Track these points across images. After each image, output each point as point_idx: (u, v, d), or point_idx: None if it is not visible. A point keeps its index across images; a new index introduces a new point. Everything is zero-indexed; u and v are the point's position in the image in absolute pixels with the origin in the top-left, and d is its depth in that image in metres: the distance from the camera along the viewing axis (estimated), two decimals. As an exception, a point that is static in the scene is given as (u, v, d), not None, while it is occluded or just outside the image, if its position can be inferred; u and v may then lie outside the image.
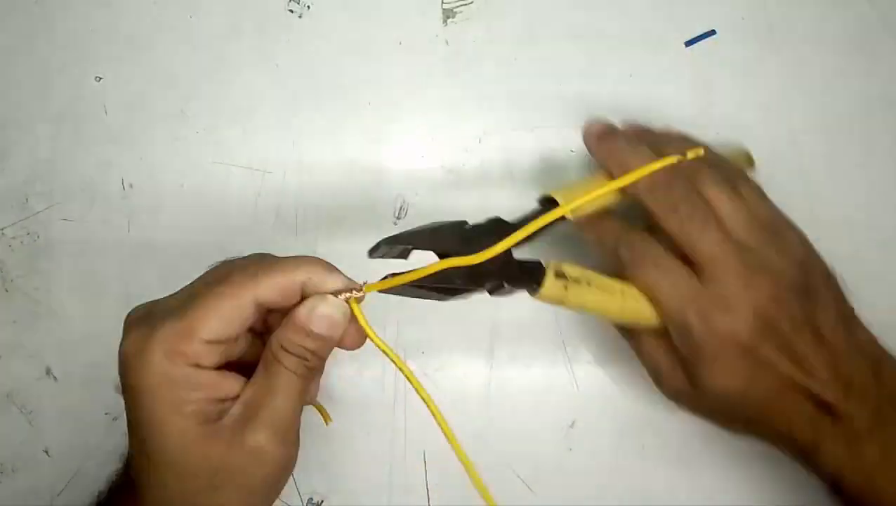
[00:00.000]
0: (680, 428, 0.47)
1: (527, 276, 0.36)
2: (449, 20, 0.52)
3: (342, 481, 0.46)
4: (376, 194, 0.50)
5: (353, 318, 0.33)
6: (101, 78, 0.51)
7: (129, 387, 0.31)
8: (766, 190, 0.50)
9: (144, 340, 0.31)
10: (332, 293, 0.32)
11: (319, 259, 0.33)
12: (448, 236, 0.35)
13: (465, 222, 0.36)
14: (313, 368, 0.33)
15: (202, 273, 0.34)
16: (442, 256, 0.34)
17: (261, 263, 0.32)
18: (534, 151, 0.50)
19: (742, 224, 0.37)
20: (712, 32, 0.51)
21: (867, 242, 0.49)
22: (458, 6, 0.52)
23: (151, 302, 0.34)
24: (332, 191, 0.50)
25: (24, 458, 0.47)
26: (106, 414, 0.47)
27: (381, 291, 0.33)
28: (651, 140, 0.40)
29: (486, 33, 0.51)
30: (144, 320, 0.32)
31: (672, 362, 0.37)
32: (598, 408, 0.47)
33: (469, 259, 0.33)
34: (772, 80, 0.51)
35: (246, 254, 0.35)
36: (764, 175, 0.50)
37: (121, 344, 0.32)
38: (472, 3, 0.52)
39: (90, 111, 0.50)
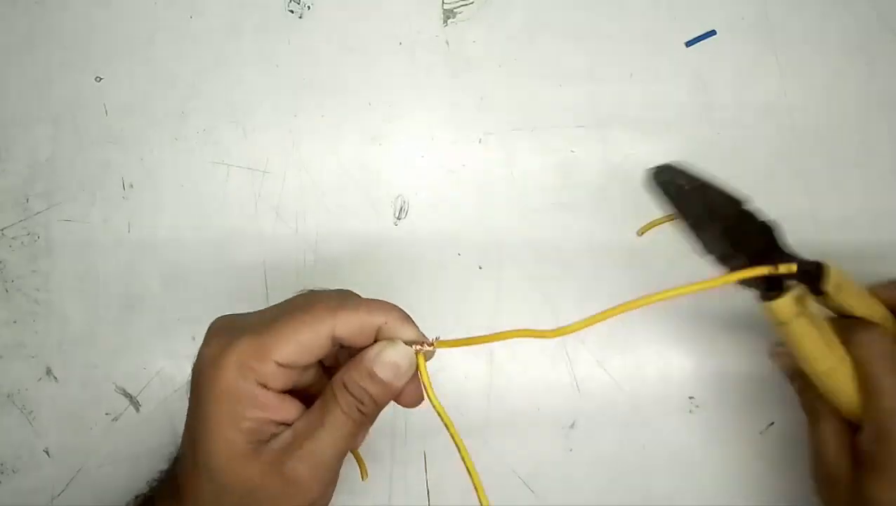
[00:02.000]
0: (680, 428, 0.47)
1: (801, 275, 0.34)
2: (449, 20, 0.52)
3: (342, 482, 0.46)
4: (376, 194, 0.50)
5: (414, 376, 0.33)
6: (101, 78, 0.51)
7: (198, 390, 0.32)
8: (766, 190, 0.50)
9: (222, 349, 0.31)
10: (404, 342, 0.33)
11: (398, 307, 0.33)
12: (718, 212, 0.34)
13: (742, 202, 0.35)
14: (367, 414, 0.33)
15: (291, 298, 0.34)
16: (696, 227, 0.34)
17: (343, 299, 0.33)
18: (534, 151, 0.50)
19: None
20: (712, 32, 0.51)
21: (867, 242, 0.50)
22: (458, 6, 0.52)
23: (236, 315, 0.34)
24: (332, 191, 0.50)
25: (24, 458, 0.47)
26: (106, 414, 0.47)
27: (447, 348, 0.33)
28: None
29: (486, 33, 0.51)
30: (226, 331, 0.33)
31: (844, 456, 0.36)
32: (598, 408, 0.47)
33: (546, 334, 0.32)
34: (772, 80, 0.51)
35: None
36: (764, 175, 0.50)
37: (200, 348, 0.33)
38: (472, 3, 0.52)
39: (90, 111, 0.50)
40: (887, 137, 0.51)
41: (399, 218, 0.50)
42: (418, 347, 0.33)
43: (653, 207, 0.50)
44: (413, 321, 0.34)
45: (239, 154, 0.50)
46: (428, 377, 0.33)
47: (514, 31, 0.51)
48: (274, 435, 0.32)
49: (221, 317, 0.34)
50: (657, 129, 0.50)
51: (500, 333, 0.32)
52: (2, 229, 0.49)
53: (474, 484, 0.33)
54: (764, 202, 0.50)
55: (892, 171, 0.50)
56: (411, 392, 0.34)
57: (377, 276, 0.49)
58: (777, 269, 0.31)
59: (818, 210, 0.50)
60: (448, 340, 0.33)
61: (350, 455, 0.44)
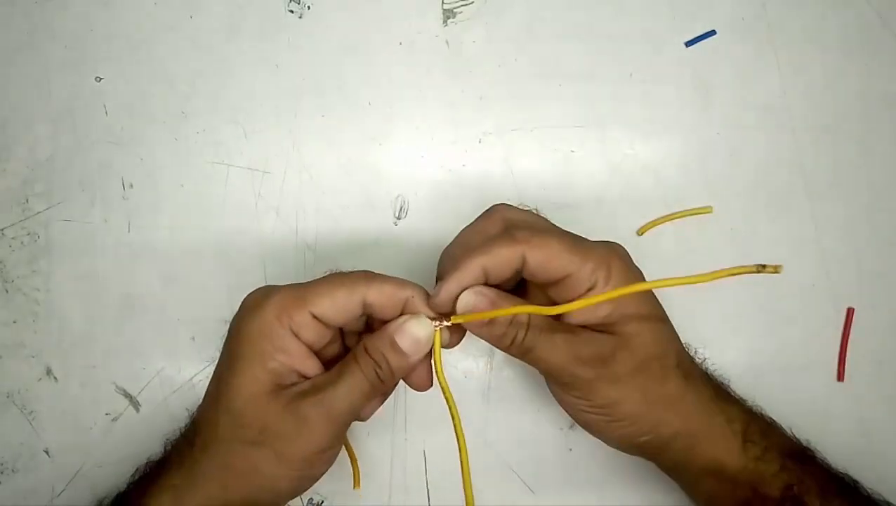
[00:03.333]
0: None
1: None
2: (449, 20, 0.52)
3: (342, 482, 0.46)
4: (376, 194, 0.50)
5: (426, 358, 0.36)
6: (101, 78, 0.51)
7: (234, 331, 0.35)
8: (765, 190, 0.50)
9: (264, 297, 0.35)
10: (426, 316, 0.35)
11: (421, 287, 0.36)
12: None
13: None
14: (383, 380, 0.35)
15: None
16: None
17: (375, 273, 0.36)
18: (534, 151, 0.50)
19: None
20: (712, 32, 0.51)
21: (867, 242, 0.50)
22: (458, 6, 0.52)
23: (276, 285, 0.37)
24: (332, 191, 0.50)
25: (24, 458, 0.47)
26: (106, 414, 0.47)
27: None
28: None
29: (486, 33, 0.51)
30: (268, 288, 0.36)
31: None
32: (598, 408, 0.47)
33: (549, 310, 0.34)
34: (772, 80, 0.51)
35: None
36: (764, 175, 0.50)
37: (242, 302, 0.36)
38: (472, 3, 0.52)
39: (90, 111, 0.50)
40: (887, 137, 0.51)
41: (399, 218, 0.50)
42: (437, 323, 0.35)
43: (653, 206, 0.50)
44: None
45: (239, 154, 0.50)
46: (440, 354, 0.35)
47: (513, 32, 0.51)
48: (293, 383, 0.34)
49: (260, 288, 0.37)
50: (657, 129, 0.50)
51: (509, 308, 0.34)
52: (2, 229, 0.49)
53: (462, 461, 0.35)
54: (764, 202, 0.50)
55: (892, 171, 0.50)
56: (422, 373, 0.37)
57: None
58: (764, 268, 0.32)
59: (818, 210, 0.50)
60: (461, 316, 0.35)
61: (350, 459, 0.44)
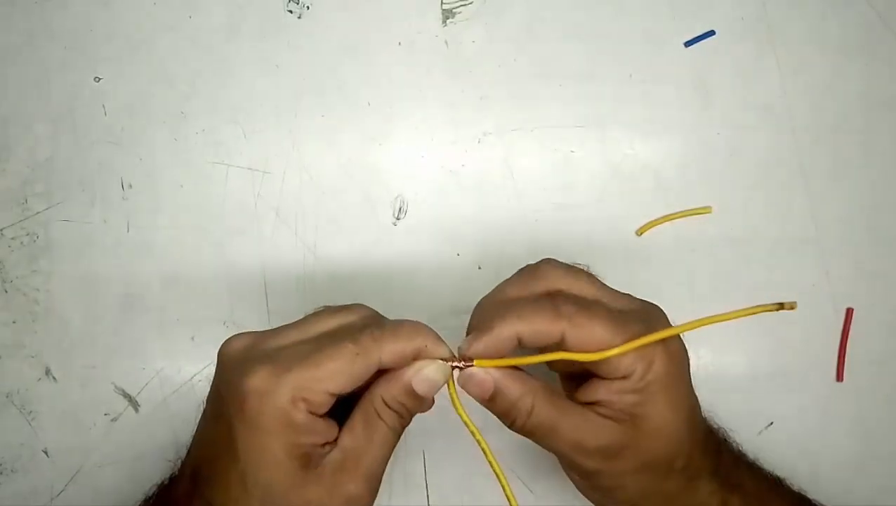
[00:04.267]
0: (680, 428, 0.47)
1: None
2: (448, 20, 0.52)
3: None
4: (376, 195, 0.50)
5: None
6: (100, 78, 0.51)
7: (247, 418, 0.32)
8: (766, 190, 0.50)
9: (275, 380, 0.31)
10: (442, 359, 0.34)
11: (431, 329, 0.34)
12: None
13: None
14: (405, 425, 0.35)
15: (313, 318, 0.35)
16: None
17: (379, 326, 0.34)
18: (534, 151, 0.50)
19: None
20: (712, 32, 0.51)
21: (867, 242, 0.50)
22: (457, 6, 0.52)
23: (256, 335, 0.34)
24: (332, 191, 0.50)
25: (24, 458, 0.47)
26: (105, 414, 0.47)
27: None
28: None
29: (485, 33, 0.51)
30: (271, 359, 0.32)
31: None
32: (597, 408, 0.47)
33: (587, 356, 0.32)
34: (772, 80, 0.51)
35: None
36: (764, 175, 0.50)
37: (242, 376, 0.32)
38: (471, 3, 0.52)
39: (90, 111, 0.50)
40: (887, 137, 0.51)
41: (398, 218, 0.50)
42: (455, 364, 0.34)
43: (653, 206, 0.50)
44: (443, 340, 0.34)
45: (239, 154, 0.50)
46: (455, 391, 0.34)
47: (513, 32, 0.51)
48: (321, 457, 0.33)
49: (238, 336, 0.35)
50: (657, 129, 0.50)
51: (542, 355, 0.33)
52: (1, 229, 0.49)
53: (502, 485, 0.34)
54: (764, 202, 0.50)
55: (892, 171, 0.50)
56: (428, 400, 0.36)
57: (376, 275, 0.49)
58: (783, 306, 0.33)
59: (818, 210, 0.50)
60: (487, 361, 0.33)
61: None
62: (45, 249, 0.49)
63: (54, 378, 0.48)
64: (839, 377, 0.48)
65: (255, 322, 0.48)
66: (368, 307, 0.36)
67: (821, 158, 0.50)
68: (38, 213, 0.49)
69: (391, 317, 0.36)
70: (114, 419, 0.47)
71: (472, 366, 0.34)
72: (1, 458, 0.47)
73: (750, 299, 0.49)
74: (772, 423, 0.48)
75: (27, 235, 0.49)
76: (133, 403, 0.48)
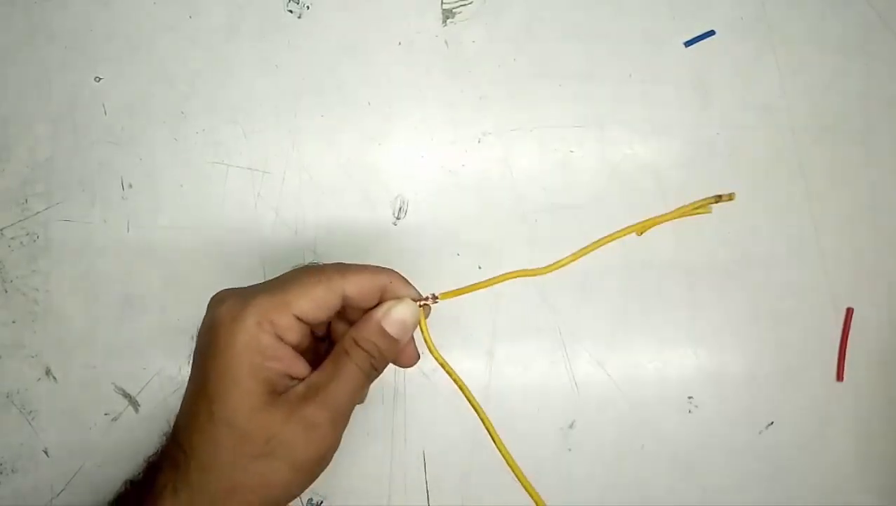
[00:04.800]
0: (679, 428, 0.47)
1: None
2: (448, 20, 0.52)
3: (342, 481, 0.46)
4: (376, 195, 0.50)
5: (411, 338, 0.37)
6: (100, 78, 0.51)
7: (215, 347, 0.34)
8: (766, 190, 0.50)
9: (240, 307, 0.33)
10: (410, 298, 0.36)
11: (397, 271, 0.36)
12: None
13: None
14: (375, 368, 0.36)
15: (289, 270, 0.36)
16: None
17: (347, 264, 0.36)
18: (534, 151, 0.50)
19: None
20: (712, 32, 0.51)
21: (867, 242, 0.50)
22: (457, 6, 0.52)
23: (236, 287, 0.36)
24: (332, 191, 0.50)
25: (24, 458, 0.47)
26: (105, 414, 0.47)
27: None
28: None
29: (485, 33, 0.51)
30: (237, 295, 0.35)
31: None
32: (597, 408, 0.47)
33: (540, 271, 0.35)
34: (771, 80, 0.51)
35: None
36: (764, 175, 0.50)
37: (210, 313, 0.35)
38: (471, 3, 0.52)
39: (90, 111, 0.50)
40: (887, 137, 0.51)
41: (398, 218, 0.50)
42: (423, 300, 0.36)
43: (653, 206, 0.50)
44: (411, 283, 0.36)
45: (238, 154, 0.50)
46: (428, 331, 0.36)
47: (513, 32, 0.51)
48: (288, 388, 0.34)
49: (223, 290, 0.36)
50: (657, 129, 0.50)
51: (497, 277, 0.35)
52: (1, 229, 0.49)
53: (481, 418, 0.36)
54: (764, 202, 0.50)
55: (892, 171, 0.50)
56: (410, 351, 0.38)
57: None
58: (720, 198, 0.36)
59: (818, 210, 0.50)
60: (449, 292, 0.36)
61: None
62: (44, 249, 0.49)
63: (54, 378, 0.48)
64: (839, 377, 0.48)
65: (255, 322, 0.48)
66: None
67: (820, 158, 0.50)
68: (38, 213, 0.49)
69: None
70: (114, 419, 0.47)
71: (437, 301, 0.36)
72: (1, 458, 0.47)
73: (750, 299, 0.49)
74: (772, 423, 0.48)
75: (27, 235, 0.49)
76: (133, 403, 0.48)
